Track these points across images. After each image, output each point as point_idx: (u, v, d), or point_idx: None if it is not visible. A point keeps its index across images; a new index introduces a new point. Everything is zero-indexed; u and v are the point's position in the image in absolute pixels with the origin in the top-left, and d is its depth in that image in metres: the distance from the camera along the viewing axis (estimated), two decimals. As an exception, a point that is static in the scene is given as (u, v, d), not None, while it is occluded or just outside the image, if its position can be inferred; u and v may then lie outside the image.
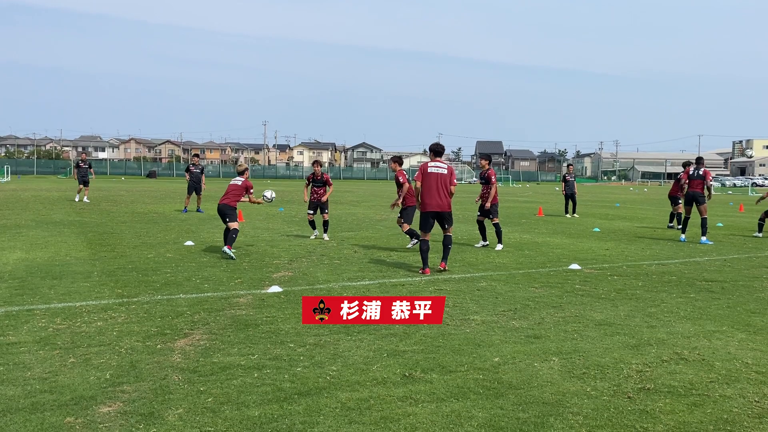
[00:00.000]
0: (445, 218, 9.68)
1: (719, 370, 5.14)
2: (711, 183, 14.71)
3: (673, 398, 4.52)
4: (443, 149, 9.75)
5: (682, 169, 15.50)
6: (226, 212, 11.42)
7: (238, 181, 11.79)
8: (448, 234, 9.80)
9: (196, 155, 22.09)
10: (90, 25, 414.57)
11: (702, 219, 14.37)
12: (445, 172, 9.51)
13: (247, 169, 12.07)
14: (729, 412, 4.29)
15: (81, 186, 25.11)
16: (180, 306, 7.15)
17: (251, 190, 11.91)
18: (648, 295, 8.13)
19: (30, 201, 25.17)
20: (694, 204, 14.44)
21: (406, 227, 11.95)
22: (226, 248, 10.76)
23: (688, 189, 14.56)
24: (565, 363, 5.26)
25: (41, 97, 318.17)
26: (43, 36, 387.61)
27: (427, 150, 10.41)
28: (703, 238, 14.24)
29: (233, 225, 11.27)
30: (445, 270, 9.63)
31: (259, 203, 12.32)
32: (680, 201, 16.90)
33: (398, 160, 12.63)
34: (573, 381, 4.83)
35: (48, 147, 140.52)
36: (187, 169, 21.40)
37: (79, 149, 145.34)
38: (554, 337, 6.03)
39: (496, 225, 12.67)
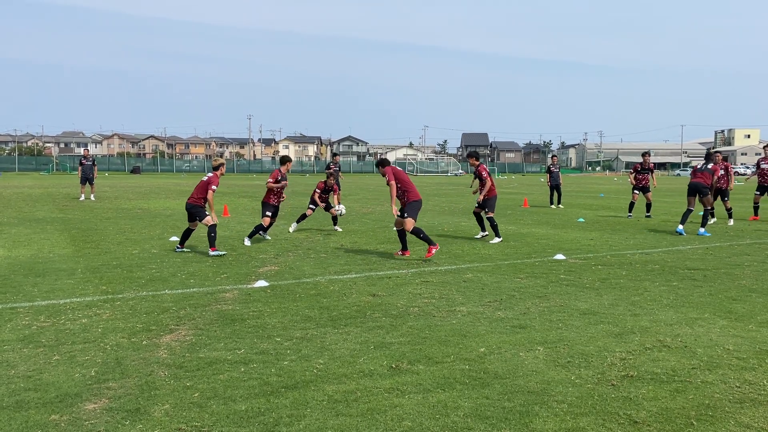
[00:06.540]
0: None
1: (701, 357, 5.21)
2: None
3: (656, 385, 4.58)
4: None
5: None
6: (192, 212, 10.74)
7: (206, 176, 10.83)
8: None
9: (336, 154, 22.66)
10: (72, 19, 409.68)
11: (704, 210, 14.01)
12: None
13: (222, 164, 11.01)
14: (711, 397, 4.35)
15: (84, 186, 23.96)
16: (165, 302, 7.12)
17: (212, 187, 10.55)
18: (632, 284, 8.21)
19: (12, 198, 24.87)
20: (697, 195, 13.90)
21: (491, 214, 12.64)
22: (210, 251, 10.37)
23: (693, 180, 13.95)
24: (549, 352, 5.31)
25: (22, 92, 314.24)
26: (25, 30, 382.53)
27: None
28: (702, 230, 13.81)
29: (208, 221, 10.53)
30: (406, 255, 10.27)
31: (209, 214, 10.59)
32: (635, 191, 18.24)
33: (475, 155, 13.05)
34: (558, 370, 4.88)
35: (30, 143, 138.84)
36: (328, 166, 21.63)
37: (62, 145, 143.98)
38: (539, 327, 6.08)
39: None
